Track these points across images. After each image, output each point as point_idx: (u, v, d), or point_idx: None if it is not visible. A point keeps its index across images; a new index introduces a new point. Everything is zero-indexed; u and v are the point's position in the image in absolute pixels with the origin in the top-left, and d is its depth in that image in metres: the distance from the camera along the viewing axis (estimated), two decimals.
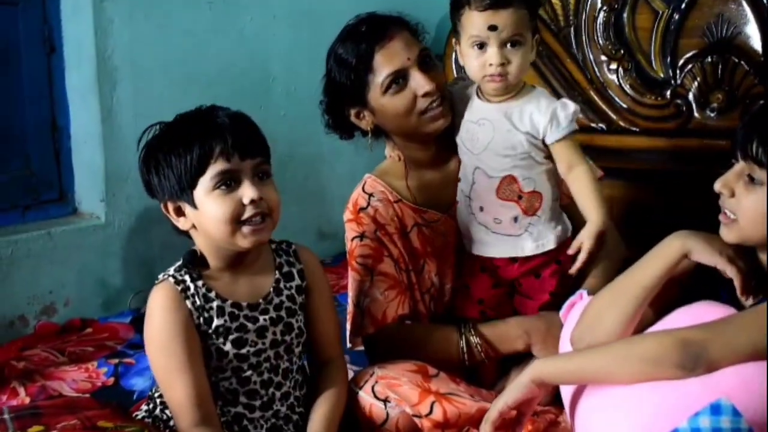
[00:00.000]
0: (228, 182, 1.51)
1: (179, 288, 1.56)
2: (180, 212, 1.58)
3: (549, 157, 1.85)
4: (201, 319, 1.55)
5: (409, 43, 1.86)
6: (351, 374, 2.00)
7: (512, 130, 1.81)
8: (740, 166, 1.41)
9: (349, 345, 1.91)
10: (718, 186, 1.43)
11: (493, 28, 1.73)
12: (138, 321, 2.59)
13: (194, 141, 1.52)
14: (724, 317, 1.37)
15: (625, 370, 1.37)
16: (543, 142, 1.82)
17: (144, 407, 1.69)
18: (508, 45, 1.75)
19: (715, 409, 1.25)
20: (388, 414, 1.68)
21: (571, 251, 1.76)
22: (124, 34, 2.66)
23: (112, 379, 2.20)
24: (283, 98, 3.11)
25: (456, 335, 1.86)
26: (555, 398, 1.75)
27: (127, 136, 2.70)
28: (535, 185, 1.82)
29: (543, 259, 1.88)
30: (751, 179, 1.39)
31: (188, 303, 1.55)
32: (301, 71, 3.17)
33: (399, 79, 1.84)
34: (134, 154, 2.66)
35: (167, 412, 1.61)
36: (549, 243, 1.86)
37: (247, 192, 1.51)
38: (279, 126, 3.09)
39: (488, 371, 1.93)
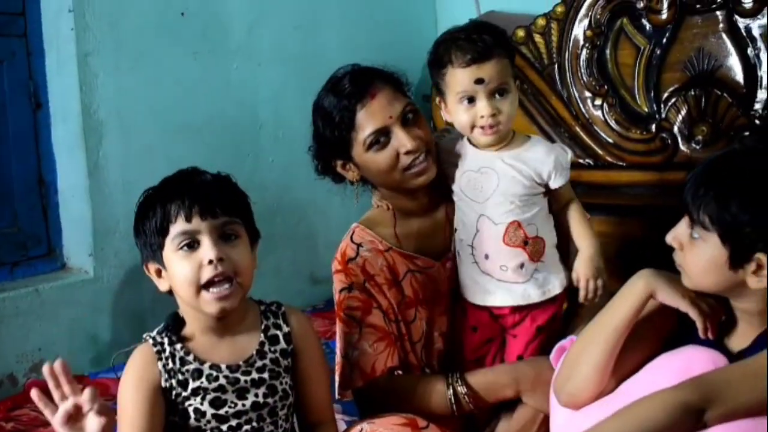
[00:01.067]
0: (189, 243, 1.52)
1: (155, 350, 1.56)
2: (159, 274, 1.59)
3: (544, 201, 1.88)
4: (173, 381, 1.55)
5: (392, 101, 1.85)
6: (342, 425, 2.00)
7: (517, 176, 1.82)
8: (686, 220, 1.44)
9: (337, 396, 1.89)
10: (668, 239, 1.47)
11: (479, 81, 1.75)
12: None
13: (159, 203, 1.54)
14: (720, 371, 1.38)
15: None
16: (544, 185, 1.86)
17: None
18: (496, 95, 1.78)
19: None
20: None
21: (581, 299, 1.83)
22: (109, 88, 2.68)
23: None
24: (272, 144, 3.12)
25: (443, 386, 1.84)
26: None
27: (115, 190, 2.73)
28: (537, 231, 1.83)
29: (543, 305, 1.89)
30: (692, 234, 1.43)
31: (160, 365, 1.55)
32: (288, 117, 3.20)
33: (381, 138, 1.83)
34: (122, 207, 2.71)
35: None
36: (555, 289, 1.87)
37: (207, 252, 1.51)
38: (268, 172, 3.11)
39: (480, 416, 1.92)
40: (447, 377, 1.85)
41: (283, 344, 1.64)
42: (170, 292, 1.61)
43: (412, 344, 1.93)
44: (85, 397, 1.41)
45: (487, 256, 1.85)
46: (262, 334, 1.63)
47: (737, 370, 1.35)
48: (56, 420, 1.41)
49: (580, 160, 3.21)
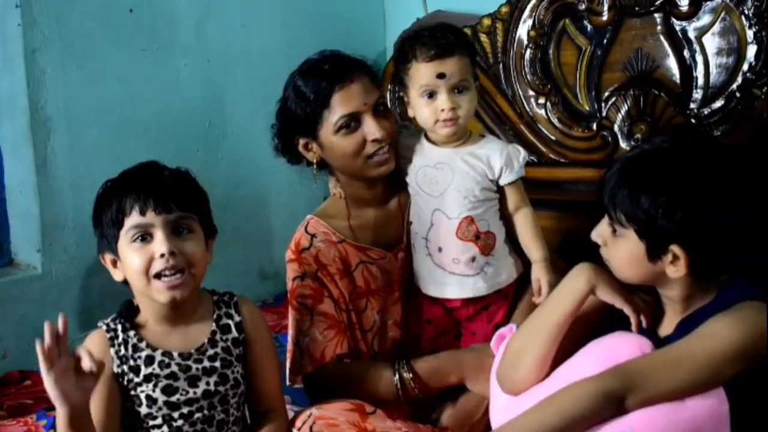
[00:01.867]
0: (143, 236, 1.56)
1: (108, 336, 1.61)
2: (114, 264, 1.63)
3: (495, 198, 1.94)
4: (125, 367, 1.59)
5: (368, 89, 1.91)
6: (291, 414, 2.04)
7: (471, 172, 1.89)
8: (607, 218, 1.52)
9: (288, 383, 1.93)
10: (593, 237, 1.55)
11: (441, 76, 1.82)
12: None
13: (115, 196, 1.58)
14: (641, 359, 1.44)
15: (567, 424, 1.43)
16: (496, 183, 1.92)
17: None
18: (456, 91, 1.85)
19: None
20: None
21: (537, 300, 1.87)
22: (57, 84, 2.67)
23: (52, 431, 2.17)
24: (221, 141, 3.13)
25: (390, 372, 1.89)
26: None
27: (63, 186, 2.71)
28: (489, 226, 1.90)
29: (494, 298, 1.95)
30: (614, 231, 1.50)
31: (112, 351, 1.59)
32: (237, 114, 3.21)
33: (352, 122, 1.89)
34: (70, 203, 2.71)
35: None
36: (503, 281, 1.94)
37: (158, 246, 1.55)
38: (217, 169, 3.11)
39: (427, 402, 1.97)
40: (394, 363, 1.90)
41: (234, 333, 1.68)
42: (125, 282, 1.64)
43: (363, 333, 1.98)
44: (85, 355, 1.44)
45: (440, 249, 1.91)
46: (214, 323, 1.67)
47: (657, 357, 1.43)
48: (52, 373, 1.42)
49: None
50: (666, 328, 1.53)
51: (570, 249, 2.86)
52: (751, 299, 1.44)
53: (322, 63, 1.93)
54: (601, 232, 1.53)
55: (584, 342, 1.56)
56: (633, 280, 1.52)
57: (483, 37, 3.32)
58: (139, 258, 1.56)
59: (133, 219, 1.56)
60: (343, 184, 2.02)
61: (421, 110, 1.88)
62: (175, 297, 1.57)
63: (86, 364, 1.44)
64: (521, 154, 1.95)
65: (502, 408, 1.66)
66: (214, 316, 1.68)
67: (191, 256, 1.58)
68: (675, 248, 1.42)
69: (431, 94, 1.86)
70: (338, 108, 1.88)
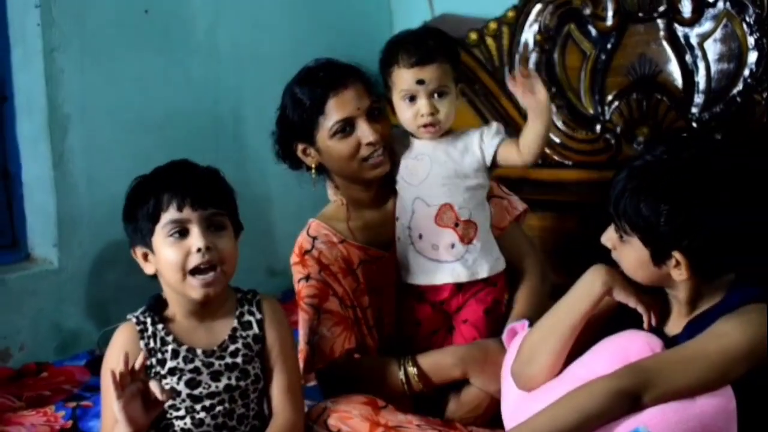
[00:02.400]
0: (180, 231, 1.61)
1: (138, 329, 1.66)
2: (146, 258, 1.68)
3: (480, 188, 1.99)
4: (153, 359, 1.65)
5: (361, 95, 1.97)
6: (306, 408, 2.10)
7: (447, 160, 1.95)
8: (614, 225, 1.59)
9: (302, 381, 1.98)
10: (603, 241, 1.62)
11: (420, 82, 1.89)
12: (93, 363, 2.63)
13: (151, 192, 1.63)
14: (654, 358, 1.50)
15: (584, 421, 1.48)
16: (485, 166, 1.97)
17: None
18: (436, 96, 1.91)
19: None
20: None
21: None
22: (74, 83, 2.72)
23: (70, 422, 2.23)
24: (230, 140, 3.17)
25: (396, 367, 1.95)
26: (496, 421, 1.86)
27: (79, 182, 2.76)
28: (470, 215, 1.94)
29: (482, 285, 1.99)
30: (621, 237, 1.58)
31: (142, 343, 1.65)
32: (246, 114, 3.26)
33: (347, 127, 1.95)
34: (86, 199, 2.76)
35: None
36: (483, 272, 1.98)
37: (196, 241, 1.61)
38: (226, 167, 3.12)
39: (431, 397, 2.00)
40: (399, 359, 1.95)
41: (255, 330, 1.73)
42: (154, 276, 1.70)
43: (369, 328, 2.04)
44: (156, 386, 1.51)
45: (420, 236, 1.97)
46: (236, 320, 1.72)
47: (671, 356, 1.49)
48: (122, 399, 1.50)
49: None
50: (674, 327, 1.59)
51: (576, 249, 2.93)
52: (755, 301, 1.51)
53: (317, 71, 2.00)
54: (610, 236, 1.61)
55: (595, 340, 1.62)
56: (642, 282, 1.59)
57: (489, 41, 3.37)
58: (175, 252, 1.61)
59: (171, 214, 1.61)
60: (341, 188, 2.08)
61: (403, 113, 1.95)
62: (208, 294, 1.63)
63: (156, 391, 1.50)
64: (493, 125, 2.00)
65: (513, 402, 1.72)
66: (237, 313, 1.73)
67: (224, 251, 1.64)
68: (677, 254, 1.50)
69: (412, 98, 1.93)
70: (333, 113, 1.95)
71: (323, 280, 2.00)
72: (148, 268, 1.69)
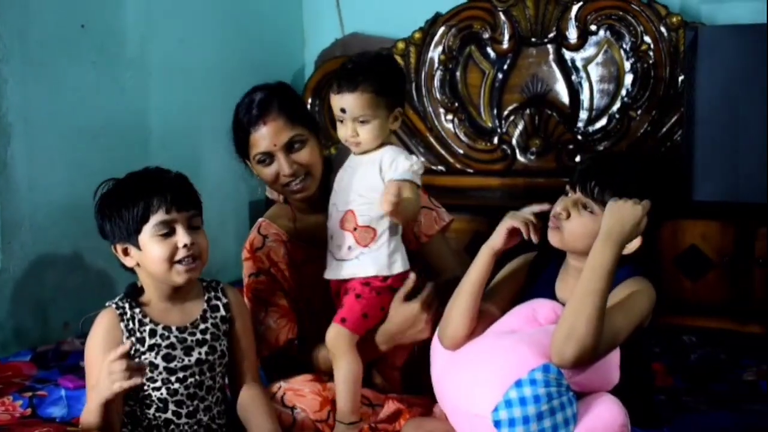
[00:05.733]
0: (166, 230, 1.83)
1: (118, 312, 1.86)
2: (126, 252, 1.88)
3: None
4: (133, 338, 1.84)
5: (280, 131, 2.12)
6: None
7: (361, 173, 2.08)
8: (577, 195, 1.83)
9: None
10: (558, 208, 1.83)
11: (342, 110, 2.02)
12: (38, 358, 2.76)
13: (140, 195, 1.82)
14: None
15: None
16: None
17: None
18: (359, 122, 2.02)
19: (546, 368, 1.68)
20: (294, 419, 2.00)
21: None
22: (17, 94, 2.80)
23: (29, 410, 2.30)
24: (160, 150, 3.28)
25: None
26: (428, 389, 2.03)
27: (21, 188, 2.83)
28: (369, 221, 2.05)
29: (363, 281, 2.06)
30: (584, 206, 1.82)
31: (122, 325, 1.85)
32: (175, 124, 3.40)
33: (266, 159, 2.15)
34: (28, 204, 2.88)
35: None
36: (366, 271, 2.03)
37: (182, 238, 1.82)
38: None
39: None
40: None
41: (222, 312, 1.95)
42: (131, 270, 1.90)
43: (310, 319, 2.23)
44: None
45: (331, 237, 2.12)
46: (205, 303, 1.94)
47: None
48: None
49: (434, 167, 3.66)
50: (570, 294, 1.78)
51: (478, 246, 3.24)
52: (635, 275, 1.81)
53: (249, 102, 2.17)
54: (566, 205, 1.81)
55: (507, 309, 1.89)
56: (579, 248, 1.81)
57: (398, 59, 3.66)
58: (163, 249, 1.81)
59: (160, 216, 1.81)
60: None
61: (338, 131, 2.08)
62: (191, 278, 1.85)
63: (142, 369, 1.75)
64: (412, 160, 2.01)
65: (441, 367, 1.93)
66: (205, 298, 1.95)
67: (201, 245, 1.86)
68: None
69: (341, 120, 2.05)
70: (253, 146, 2.16)
71: (272, 275, 2.19)
72: (129, 262, 1.88)
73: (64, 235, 2.97)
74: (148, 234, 1.82)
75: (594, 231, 1.75)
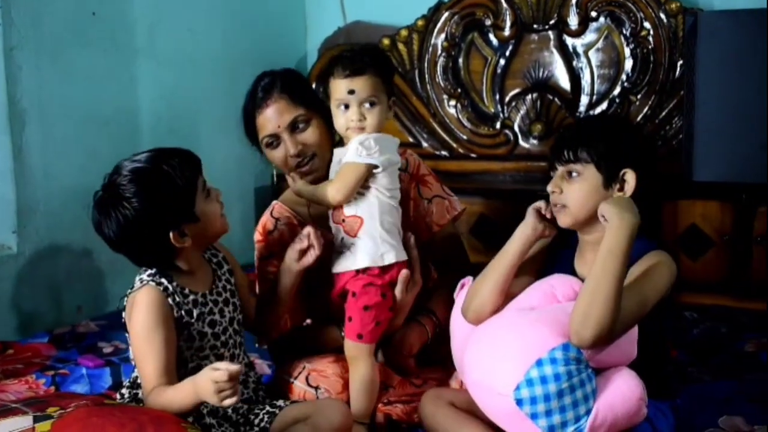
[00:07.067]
0: (209, 186, 1.88)
1: (161, 288, 1.84)
2: (182, 234, 1.84)
3: (370, 185, 2.07)
4: (182, 311, 1.85)
5: (283, 111, 2.14)
6: (266, 369, 2.43)
7: (338, 163, 2.10)
8: (560, 170, 1.89)
9: (256, 345, 2.24)
10: (549, 188, 1.90)
11: (351, 92, 2.03)
12: (56, 340, 2.81)
13: (178, 176, 1.81)
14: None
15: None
16: None
17: (125, 392, 1.95)
18: (366, 105, 2.04)
19: (565, 347, 1.72)
20: (318, 399, 2.03)
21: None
22: (31, 80, 2.84)
23: (52, 388, 2.35)
24: (168, 136, 3.31)
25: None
26: (445, 360, 2.12)
27: (36, 172, 2.89)
28: (356, 211, 2.06)
29: (353, 275, 2.07)
30: (570, 175, 1.87)
31: (170, 300, 1.84)
32: (181, 111, 3.46)
33: (273, 141, 2.18)
34: (42, 189, 2.93)
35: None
36: (359, 263, 2.04)
37: (219, 206, 1.89)
38: None
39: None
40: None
41: (225, 266, 2.00)
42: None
43: (319, 302, 2.21)
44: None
45: (330, 230, 2.14)
46: (208, 264, 1.97)
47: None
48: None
49: (437, 152, 3.74)
50: (588, 269, 1.82)
51: (483, 229, 3.33)
52: (652, 249, 1.88)
53: (255, 86, 2.21)
54: (555, 182, 1.89)
55: (528, 284, 1.94)
56: (586, 214, 1.85)
57: (401, 46, 3.73)
58: (216, 208, 1.88)
59: (202, 180, 1.85)
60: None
61: (337, 120, 2.09)
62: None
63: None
64: (364, 142, 2.01)
65: (461, 340, 1.99)
66: (206, 258, 1.98)
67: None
68: (626, 171, 1.83)
69: (346, 106, 2.06)
70: (260, 130, 2.19)
71: (282, 259, 2.16)
72: (187, 242, 1.85)
73: (77, 220, 2.97)
74: (200, 199, 1.85)
75: (590, 189, 1.83)
